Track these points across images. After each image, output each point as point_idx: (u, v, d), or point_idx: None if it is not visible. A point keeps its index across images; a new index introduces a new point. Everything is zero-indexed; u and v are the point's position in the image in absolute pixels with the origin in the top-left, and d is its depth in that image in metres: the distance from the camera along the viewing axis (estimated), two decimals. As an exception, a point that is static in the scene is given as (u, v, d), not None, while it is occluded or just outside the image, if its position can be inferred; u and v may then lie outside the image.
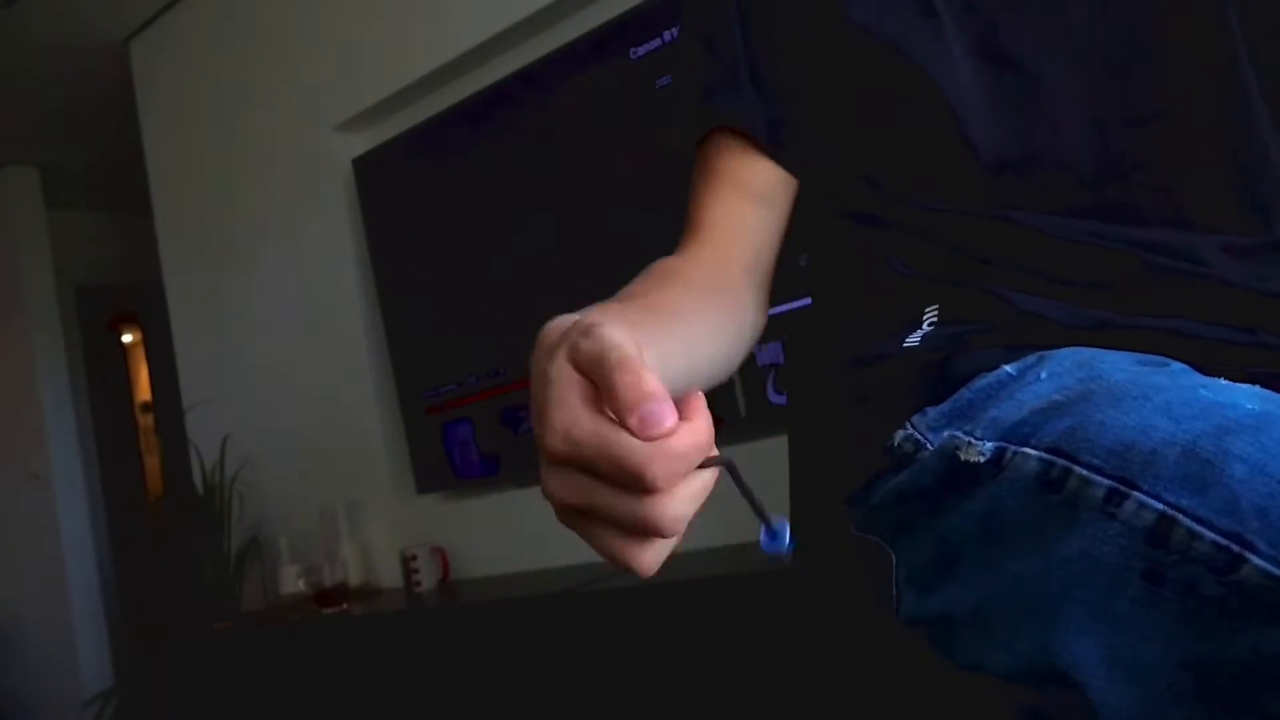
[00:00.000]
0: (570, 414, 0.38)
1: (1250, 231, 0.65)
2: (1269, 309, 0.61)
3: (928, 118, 0.66)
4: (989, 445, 0.52)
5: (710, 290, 0.65)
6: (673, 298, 0.60)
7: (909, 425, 0.58)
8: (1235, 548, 0.41)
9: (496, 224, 2.27)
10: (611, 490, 0.39)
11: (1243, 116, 0.65)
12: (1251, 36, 0.65)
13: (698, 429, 0.39)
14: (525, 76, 2.21)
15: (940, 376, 0.60)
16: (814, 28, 0.71)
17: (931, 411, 0.58)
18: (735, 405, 1.91)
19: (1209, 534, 0.42)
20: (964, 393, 0.58)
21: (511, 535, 2.31)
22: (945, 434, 0.56)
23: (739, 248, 0.71)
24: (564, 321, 0.43)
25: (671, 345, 0.53)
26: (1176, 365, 0.55)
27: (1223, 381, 0.52)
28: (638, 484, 0.37)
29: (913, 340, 0.63)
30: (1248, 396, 0.49)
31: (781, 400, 1.85)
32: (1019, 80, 0.66)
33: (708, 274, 0.67)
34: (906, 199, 0.67)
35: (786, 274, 0.78)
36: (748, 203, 0.72)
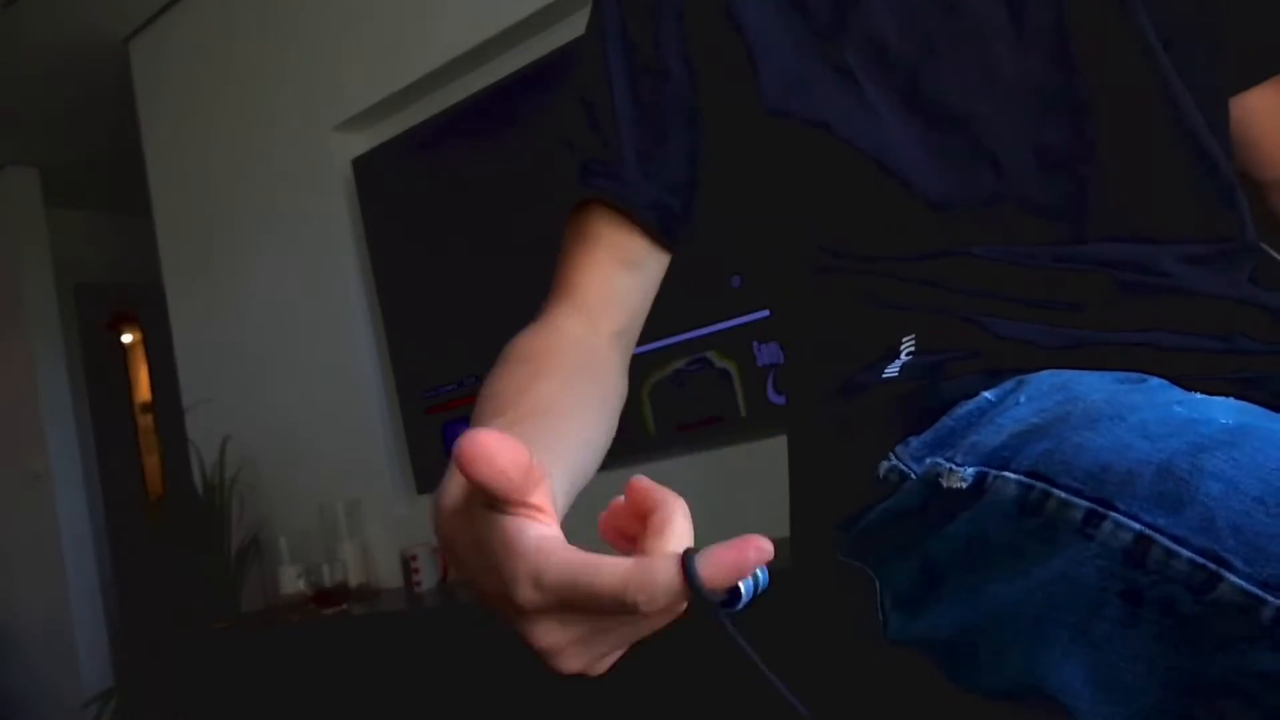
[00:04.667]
0: (524, 559, 0.37)
1: (1215, 236, 0.65)
2: (1241, 314, 0.61)
3: (867, 182, 0.66)
4: (970, 471, 0.52)
5: (582, 372, 0.64)
6: (548, 394, 0.58)
7: (893, 456, 0.59)
8: (1212, 566, 0.41)
9: (496, 224, 2.27)
10: (605, 620, 0.38)
11: (1181, 128, 0.65)
12: (1173, 47, 0.65)
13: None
14: (524, 77, 2.21)
15: (921, 405, 0.60)
16: (728, 108, 0.70)
17: (914, 441, 0.58)
18: (735, 405, 1.91)
19: (1185, 553, 0.42)
20: (945, 421, 0.58)
21: (511, 535, 2.31)
22: (928, 462, 0.56)
23: (609, 315, 0.70)
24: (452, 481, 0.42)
25: (563, 452, 0.52)
26: (1154, 381, 0.55)
27: (1198, 396, 0.53)
28: (624, 609, 0.35)
29: (892, 370, 0.63)
30: (1223, 410, 0.49)
31: (781, 400, 1.85)
32: (949, 125, 0.65)
33: (578, 354, 0.66)
34: (869, 258, 0.67)
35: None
36: (620, 268, 0.71)
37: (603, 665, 0.41)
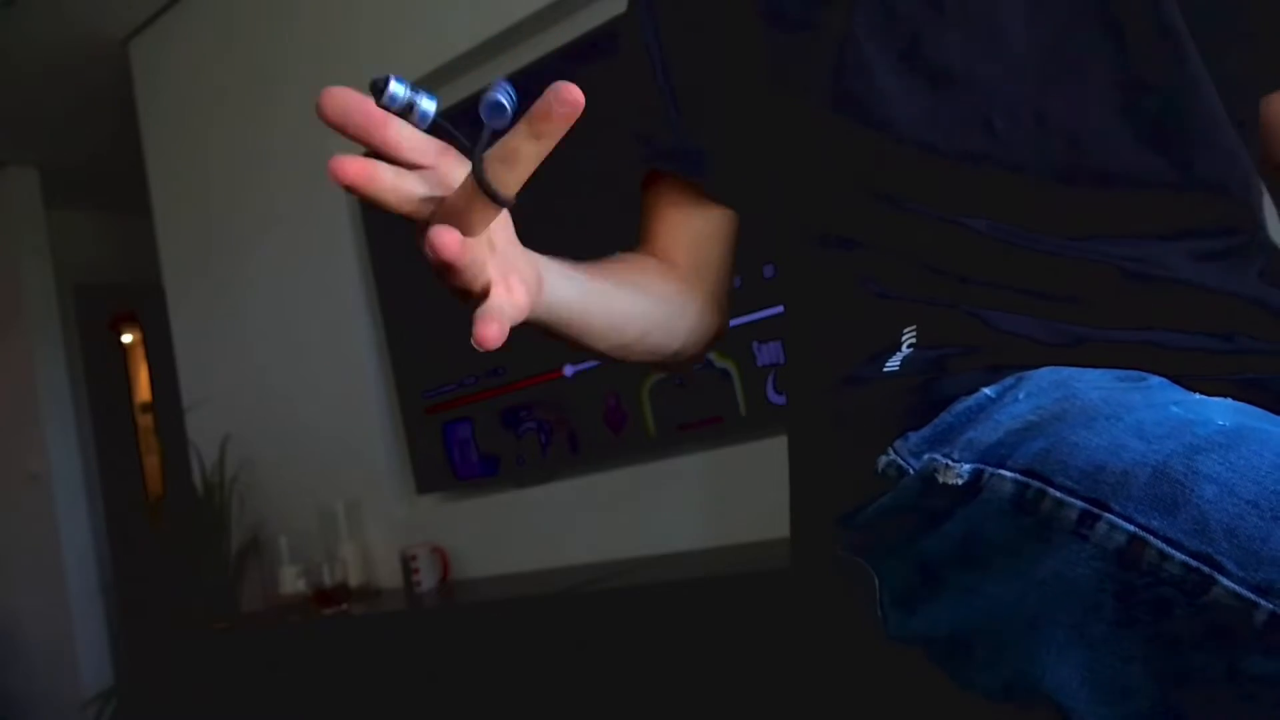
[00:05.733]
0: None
1: (1225, 229, 0.64)
2: (1245, 313, 0.61)
3: (859, 144, 0.67)
4: (966, 467, 0.52)
5: (649, 270, 0.72)
6: (603, 264, 0.68)
7: (891, 450, 0.58)
8: (1205, 569, 0.42)
9: (496, 224, 2.27)
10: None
11: (1201, 113, 0.64)
12: (1198, 31, 0.64)
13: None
14: (523, 77, 2.21)
15: (921, 400, 0.60)
16: (740, 87, 0.74)
17: (913, 436, 0.58)
18: (735, 405, 1.91)
19: (1179, 555, 0.42)
20: (944, 416, 0.57)
21: (511, 535, 2.31)
22: (925, 457, 0.56)
23: (682, 255, 0.77)
24: None
25: (572, 274, 0.61)
26: (1154, 380, 0.55)
27: (1196, 396, 0.52)
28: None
29: (892, 364, 0.63)
30: (1220, 411, 0.49)
31: (781, 400, 1.85)
32: (948, 85, 0.65)
33: (652, 265, 0.74)
34: (871, 201, 0.67)
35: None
36: (686, 219, 0.77)
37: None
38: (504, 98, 0.43)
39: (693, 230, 0.77)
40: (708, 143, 0.75)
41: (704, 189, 0.76)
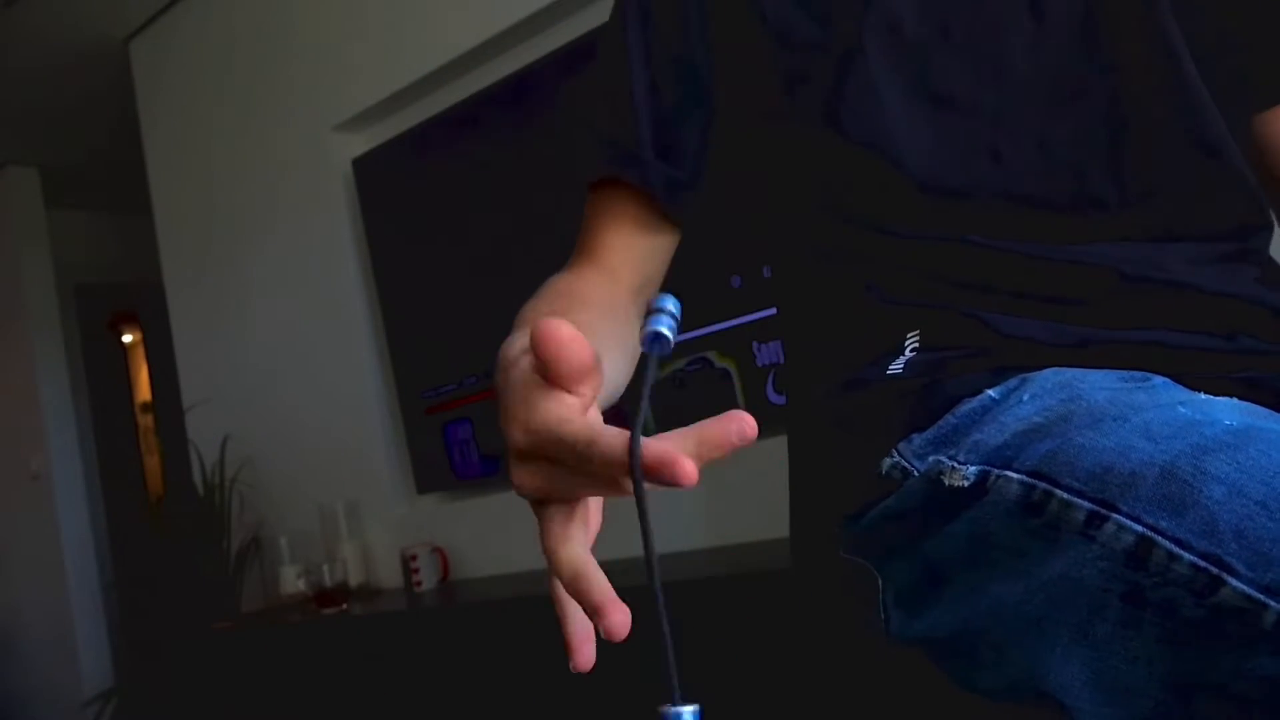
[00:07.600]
0: (528, 408, 0.40)
1: (1223, 239, 0.64)
2: (1245, 313, 0.61)
3: (863, 168, 0.67)
4: (972, 469, 0.52)
5: (607, 311, 0.68)
6: (588, 324, 0.62)
7: (895, 453, 0.58)
8: (1214, 570, 0.41)
9: (496, 224, 2.27)
10: (569, 475, 0.41)
11: (1198, 129, 0.64)
12: (1196, 48, 0.65)
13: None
14: (524, 77, 2.21)
15: (925, 402, 0.60)
16: (744, 101, 0.73)
17: (917, 438, 0.58)
18: (735, 405, 1.91)
19: (1187, 555, 0.42)
20: (948, 418, 0.57)
21: (511, 535, 2.31)
22: (930, 459, 0.56)
23: (628, 272, 0.74)
24: (518, 340, 0.47)
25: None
26: (1158, 380, 0.55)
27: (1202, 396, 0.52)
28: (581, 459, 0.39)
29: (896, 367, 0.63)
30: (1227, 411, 0.49)
31: (781, 400, 1.85)
32: (955, 112, 0.65)
33: (602, 295, 0.70)
34: (874, 227, 0.67)
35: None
36: (639, 233, 0.75)
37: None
38: (666, 328, 0.40)
39: (645, 246, 0.75)
40: (679, 162, 0.74)
41: (666, 209, 0.75)
